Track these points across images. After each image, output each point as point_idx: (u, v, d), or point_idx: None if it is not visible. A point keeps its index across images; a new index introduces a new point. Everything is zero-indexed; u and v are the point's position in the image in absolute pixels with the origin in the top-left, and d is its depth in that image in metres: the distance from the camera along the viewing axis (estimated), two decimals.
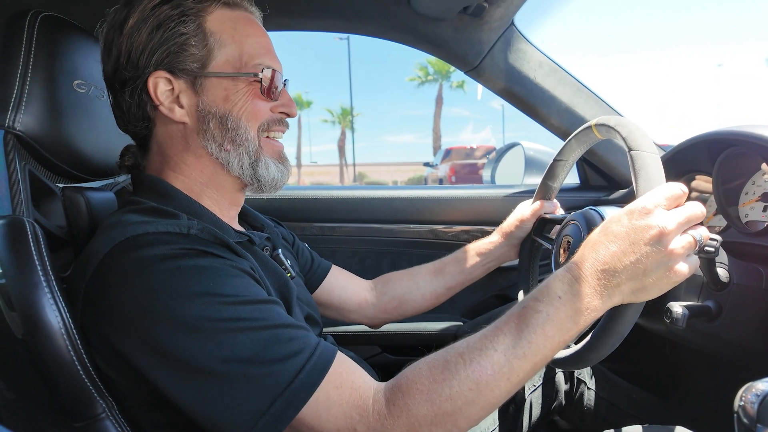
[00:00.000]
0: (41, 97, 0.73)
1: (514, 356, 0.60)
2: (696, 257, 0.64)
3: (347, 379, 0.61)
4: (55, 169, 0.80)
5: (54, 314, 0.62)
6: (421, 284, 1.13)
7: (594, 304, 0.61)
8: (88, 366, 0.63)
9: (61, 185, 0.82)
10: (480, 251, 1.13)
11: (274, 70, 0.77)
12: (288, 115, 0.82)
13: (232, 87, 0.74)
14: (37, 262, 0.64)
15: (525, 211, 1.11)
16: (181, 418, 0.62)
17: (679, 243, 0.60)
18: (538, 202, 1.10)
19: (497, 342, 0.61)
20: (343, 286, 1.12)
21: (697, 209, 0.62)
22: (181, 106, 0.74)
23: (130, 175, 0.83)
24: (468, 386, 0.58)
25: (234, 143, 0.75)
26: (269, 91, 0.77)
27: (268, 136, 0.80)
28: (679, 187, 0.63)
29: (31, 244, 0.65)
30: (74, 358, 0.62)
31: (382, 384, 0.62)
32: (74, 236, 0.80)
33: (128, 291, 0.59)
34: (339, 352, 0.63)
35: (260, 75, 0.75)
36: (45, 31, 0.74)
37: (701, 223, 0.65)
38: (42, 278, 0.63)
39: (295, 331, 0.62)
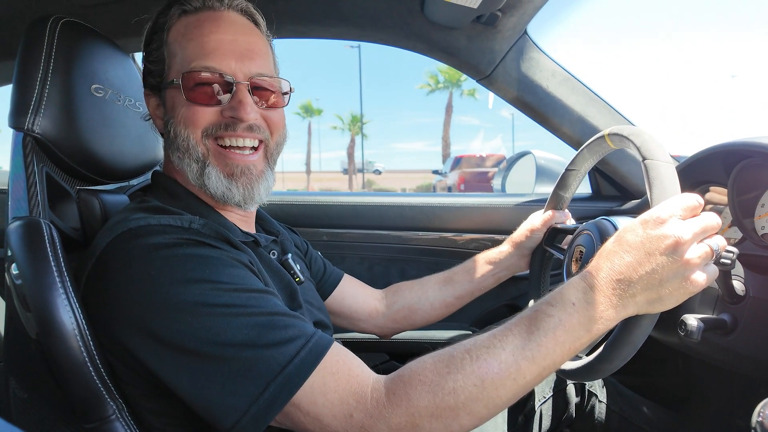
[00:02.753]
0: (60, 101, 0.74)
1: (522, 357, 0.59)
2: (713, 267, 0.62)
3: (344, 367, 0.60)
4: (71, 172, 0.81)
5: (68, 315, 0.63)
6: (430, 294, 1.13)
7: (608, 314, 0.61)
8: (100, 367, 0.64)
9: (76, 187, 0.83)
10: (490, 261, 1.13)
11: (200, 72, 0.71)
12: (235, 118, 0.73)
13: (176, 95, 0.75)
14: (52, 263, 0.65)
15: (536, 221, 1.10)
16: (180, 410, 0.62)
17: (696, 252, 0.59)
18: (549, 212, 1.09)
19: (506, 341, 0.60)
20: (354, 295, 1.12)
21: (712, 219, 0.61)
22: (161, 119, 0.79)
23: (149, 176, 0.87)
24: (472, 382, 0.58)
25: (180, 150, 0.76)
26: (200, 95, 0.72)
27: (226, 146, 0.75)
28: (694, 198, 0.62)
29: (47, 245, 0.66)
30: (86, 359, 0.63)
31: (384, 375, 0.62)
32: (88, 238, 0.81)
33: (126, 277, 0.61)
34: (336, 342, 0.63)
35: (177, 81, 0.73)
36: (65, 37, 0.76)
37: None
38: (57, 279, 0.64)
39: (290, 320, 0.62)
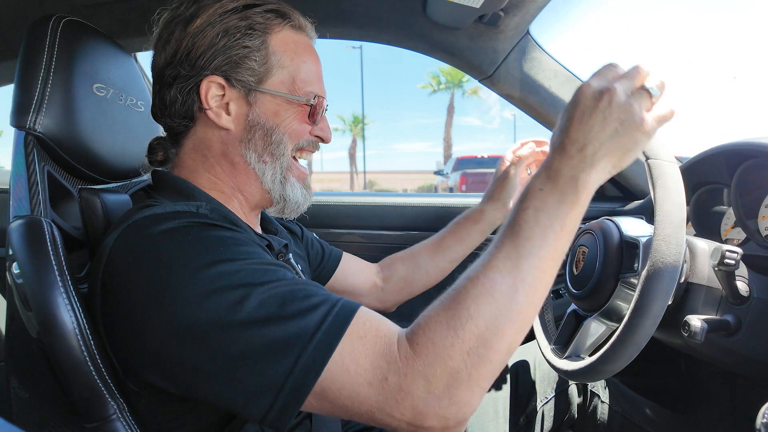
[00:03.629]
0: (61, 99, 0.74)
1: (518, 257, 0.56)
2: (659, 107, 0.62)
3: (371, 328, 0.57)
4: (73, 171, 0.81)
5: (68, 314, 0.63)
6: (423, 263, 1.16)
7: (581, 179, 0.59)
8: (100, 366, 0.64)
9: (77, 186, 0.83)
10: (475, 220, 1.16)
11: (322, 98, 0.80)
12: (322, 140, 0.84)
13: (284, 105, 0.77)
14: (53, 262, 0.65)
15: (503, 170, 1.15)
16: (196, 412, 0.62)
17: (625, 96, 0.59)
18: (514, 152, 1.13)
19: (497, 252, 0.58)
20: (356, 272, 1.15)
21: (634, 67, 0.61)
22: (228, 113, 0.76)
23: (150, 175, 0.82)
24: (485, 300, 0.54)
25: (273, 156, 0.77)
26: (313, 116, 0.79)
27: (296, 158, 0.82)
28: (608, 64, 0.63)
29: (48, 244, 0.66)
30: (87, 358, 0.63)
31: (404, 329, 0.59)
32: (89, 237, 0.80)
33: (139, 268, 0.59)
34: (362, 306, 0.60)
35: (312, 101, 0.78)
36: (67, 36, 0.76)
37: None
38: (58, 278, 0.64)
39: (312, 288, 0.60)
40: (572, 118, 0.60)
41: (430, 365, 0.53)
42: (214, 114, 0.75)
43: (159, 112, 0.79)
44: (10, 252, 0.67)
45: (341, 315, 0.57)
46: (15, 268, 0.66)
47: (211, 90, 0.74)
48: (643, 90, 0.60)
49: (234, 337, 0.55)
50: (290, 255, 0.88)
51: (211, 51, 0.73)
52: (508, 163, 1.14)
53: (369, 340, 0.56)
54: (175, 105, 0.76)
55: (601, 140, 0.59)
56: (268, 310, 0.56)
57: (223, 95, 0.75)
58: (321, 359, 0.54)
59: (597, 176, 0.60)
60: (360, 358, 0.55)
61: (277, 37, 0.76)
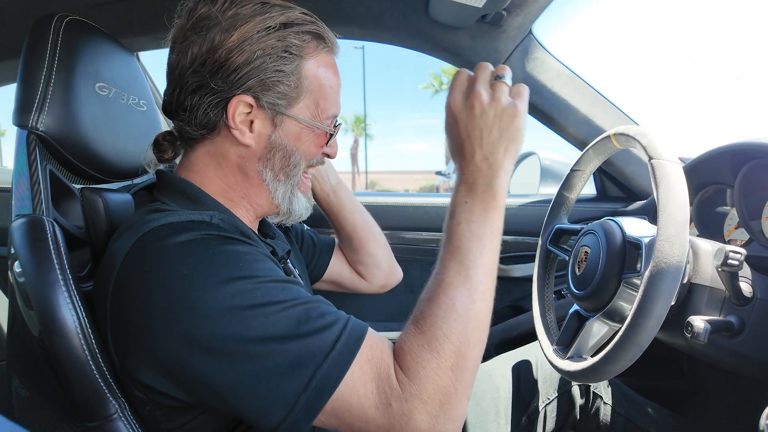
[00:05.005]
0: (64, 99, 0.74)
1: (466, 269, 0.62)
2: (517, 92, 0.67)
3: (377, 352, 0.60)
4: (75, 170, 0.81)
5: (70, 313, 0.63)
6: (354, 257, 1.17)
7: (495, 185, 0.66)
8: (102, 366, 0.63)
9: (79, 186, 0.83)
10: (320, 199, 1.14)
11: (339, 124, 0.82)
12: (329, 156, 0.84)
13: (307, 130, 0.76)
14: (55, 261, 0.65)
15: None
16: (201, 420, 0.62)
17: (487, 92, 0.66)
18: None
19: (445, 270, 0.63)
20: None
21: (476, 67, 0.68)
22: (251, 131, 0.73)
23: (154, 174, 0.81)
24: (451, 317, 0.59)
25: (288, 176, 0.77)
26: (329, 139, 0.80)
27: (306, 172, 0.82)
28: (455, 74, 0.70)
29: (50, 243, 0.66)
30: (88, 357, 0.63)
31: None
32: (92, 236, 0.80)
33: (157, 280, 0.58)
34: (369, 327, 0.63)
35: (333, 132, 0.79)
36: (70, 35, 0.76)
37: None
38: (60, 277, 0.64)
39: (324, 307, 0.61)
40: (460, 135, 0.67)
41: (424, 388, 0.57)
42: (238, 132, 0.72)
43: (174, 112, 0.76)
44: (12, 251, 0.67)
45: (353, 335, 0.59)
46: (17, 267, 0.66)
47: (239, 108, 0.71)
48: (497, 81, 0.67)
49: (251, 352, 0.56)
50: (289, 260, 0.88)
51: (245, 70, 0.70)
52: None
53: (375, 363, 0.59)
54: (196, 113, 0.72)
55: (494, 144, 0.65)
56: (284, 327, 0.57)
57: (249, 113, 0.72)
58: (335, 378, 0.56)
59: (505, 175, 0.67)
60: (368, 381, 0.58)
61: (311, 63, 0.74)
